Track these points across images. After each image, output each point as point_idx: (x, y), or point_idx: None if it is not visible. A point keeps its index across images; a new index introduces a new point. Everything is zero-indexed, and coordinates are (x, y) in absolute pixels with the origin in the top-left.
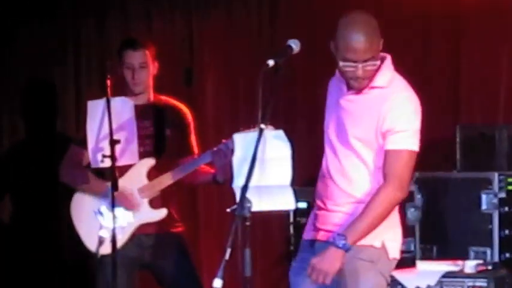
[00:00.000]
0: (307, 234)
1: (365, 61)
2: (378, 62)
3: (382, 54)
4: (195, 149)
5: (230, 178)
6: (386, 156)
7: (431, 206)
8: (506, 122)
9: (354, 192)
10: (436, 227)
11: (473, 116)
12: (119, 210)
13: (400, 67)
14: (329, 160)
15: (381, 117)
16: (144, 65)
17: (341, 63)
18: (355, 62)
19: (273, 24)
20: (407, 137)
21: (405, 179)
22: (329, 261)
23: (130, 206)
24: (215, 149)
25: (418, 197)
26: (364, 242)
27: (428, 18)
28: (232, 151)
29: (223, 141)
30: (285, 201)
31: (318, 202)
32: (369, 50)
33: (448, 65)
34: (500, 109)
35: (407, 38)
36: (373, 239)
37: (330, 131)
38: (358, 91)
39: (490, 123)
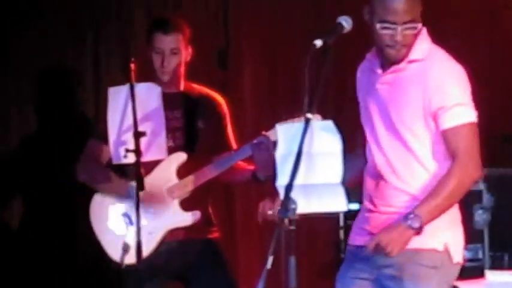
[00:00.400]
0: (355, 240)
1: (405, 23)
2: (419, 26)
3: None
4: (233, 144)
5: (272, 175)
6: (446, 137)
7: (502, 208)
8: None
9: (408, 189)
10: (508, 231)
11: None
12: (146, 213)
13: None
14: (375, 155)
15: (427, 95)
16: (176, 51)
17: (378, 26)
18: (394, 24)
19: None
20: (463, 110)
21: (475, 155)
22: (398, 238)
23: (159, 207)
24: (255, 141)
25: (487, 196)
26: (425, 245)
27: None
28: (274, 144)
29: (264, 133)
30: (336, 202)
31: (367, 203)
32: (409, 12)
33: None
34: None
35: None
36: (435, 241)
37: (371, 122)
38: (396, 70)
39: None
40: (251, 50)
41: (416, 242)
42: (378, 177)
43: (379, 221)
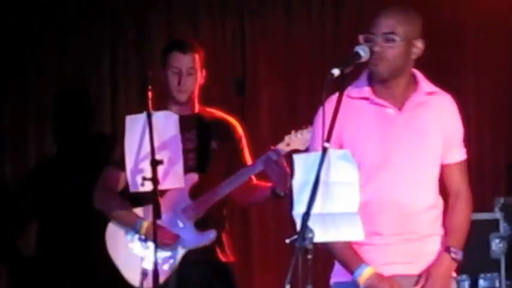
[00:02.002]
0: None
1: (384, 33)
2: (400, 46)
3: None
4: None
5: (290, 189)
6: (453, 170)
7: None
8: None
9: (427, 215)
10: None
11: None
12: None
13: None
14: (392, 188)
15: (448, 128)
16: (192, 71)
17: (360, 38)
18: (373, 34)
19: (337, 27)
20: (463, 145)
21: (469, 185)
22: (448, 272)
23: (175, 229)
24: (263, 157)
25: (504, 225)
26: None
27: None
28: (288, 155)
29: (272, 147)
30: (353, 231)
31: (376, 235)
32: (390, 25)
33: None
34: None
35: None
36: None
37: (387, 159)
38: (416, 104)
39: None
40: (268, 76)
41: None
42: (392, 209)
43: (398, 250)
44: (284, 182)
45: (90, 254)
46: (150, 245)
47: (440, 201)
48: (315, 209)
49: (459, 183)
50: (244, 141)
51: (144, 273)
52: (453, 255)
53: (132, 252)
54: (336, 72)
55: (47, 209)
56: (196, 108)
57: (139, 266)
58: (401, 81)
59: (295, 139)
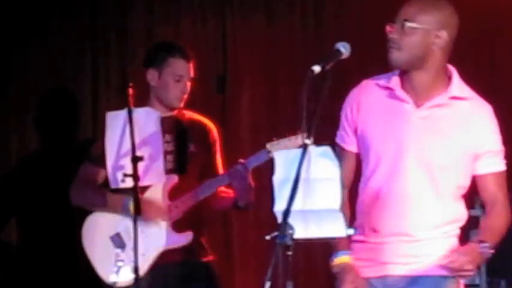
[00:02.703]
0: (367, 272)
1: (405, 20)
2: (417, 34)
3: (449, 66)
4: (219, 170)
5: (251, 203)
6: (488, 180)
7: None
8: None
9: (421, 218)
10: (506, 257)
11: None
12: (138, 235)
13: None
14: (393, 185)
15: (476, 136)
16: (191, 80)
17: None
18: (393, 22)
19: (319, 26)
20: (502, 156)
21: (508, 197)
22: (474, 260)
23: (151, 229)
24: (231, 169)
25: None
26: (444, 271)
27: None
28: (272, 165)
29: (241, 160)
30: (335, 227)
31: (371, 233)
32: (411, 12)
33: None
34: None
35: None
36: None
37: (395, 152)
38: (435, 105)
39: None
40: (249, 74)
41: (432, 269)
42: (391, 206)
43: (393, 250)
44: (246, 196)
45: (71, 251)
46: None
47: (459, 215)
48: (296, 206)
49: (495, 194)
50: (218, 146)
51: (119, 270)
52: (483, 248)
53: (106, 249)
54: (316, 69)
55: (28, 207)
56: (174, 111)
57: (113, 263)
58: (423, 75)
59: (277, 147)
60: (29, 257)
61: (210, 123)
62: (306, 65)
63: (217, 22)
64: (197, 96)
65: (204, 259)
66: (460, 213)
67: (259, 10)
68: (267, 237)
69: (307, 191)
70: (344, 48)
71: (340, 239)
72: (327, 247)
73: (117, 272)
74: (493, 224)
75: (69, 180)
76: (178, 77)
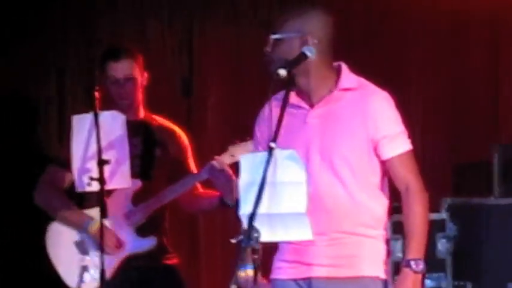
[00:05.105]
0: (286, 273)
1: (272, 34)
2: (285, 42)
3: (338, 63)
4: None
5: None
6: (394, 165)
7: (465, 237)
8: None
9: (332, 217)
10: (471, 260)
11: None
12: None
13: (433, 84)
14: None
15: (370, 124)
16: (130, 77)
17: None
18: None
19: None
20: (405, 137)
21: (420, 177)
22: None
23: (110, 248)
24: (206, 166)
25: (450, 225)
26: (370, 272)
27: (465, 33)
28: (235, 166)
29: (216, 157)
30: (301, 231)
31: None
32: (277, 25)
33: (486, 81)
34: None
35: (443, 50)
36: (377, 269)
37: (303, 158)
38: (329, 100)
39: None
40: (215, 76)
41: (358, 270)
42: (310, 208)
43: (315, 252)
44: (230, 191)
45: (35, 252)
46: (92, 248)
47: (379, 201)
48: (262, 209)
49: (404, 176)
50: (189, 151)
51: (82, 275)
52: (414, 267)
53: (71, 255)
54: (282, 72)
55: None
56: (142, 114)
57: (77, 269)
58: (305, 79)
59: (239, 150)
60: None
61: (179, 129)
62: (267, 68)
63: (183, 24)
64: (163, 98)
65: (169, 263)
66: (376, 211)
67: (225, 12)
68: (233, 241)
69: (273, 194)
70: (309, 52)
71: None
72: None
73: (81, 277)
74: (415, 226)
75: (32, 180)
76: (112, 78)
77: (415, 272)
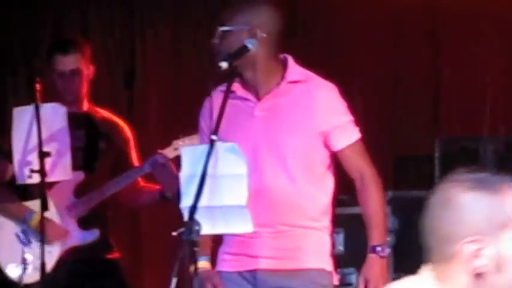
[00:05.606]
0: (235, 266)
1: (220, 25)
2: (232, 34)
3: (283, 55)
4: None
5: (179, 192)
6: (345, 154)
7: (406, 230)
8: (490, 134)
9: (278, 208)
10: (412, 254)
11: (454, 128)
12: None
13: (374, 75)
14: (252, 181)
15: (319, 115)
16: (77, 71)
17: None
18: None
19: None
20: (354, 126)
21: (372, 164)
22: (382, 272)
23: (53, 237)
24: (150, 160)
25: (391, 219)
26: (315, 264)
27: (407, 24)
28: (176, 161)
29: (159, 151)
30: (241, 223)
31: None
32: (225, 17)
33: (427, 73)
34: (485, 120)
35: (383, 45)
36: (322, 262)
37: (248, 151)
38: (276, 93)
39: (473, 136)
40: (157, 69)
41: (304, 262)
42: (257, 201)
43: (261, 244)
44: (172, 185)
45: None
46: (34, 239)
47: (325, 192)
48: (203, 202)
49: (358, 165)
50: (132, 144)
51: (24, 266)
52: (381, 253)
53: (12, 246)
54: (224, 65)
55: None
56: (85, 107)
57: (19, 260)
58: (251, 73)
59: (182, 144)
60: None
61: (122, 122)
62: (213, 60)
63: (124, 17)
64: (105, 91)
65: (110, 256)
66: (322, 203)
67: (166, 4)
68: (174, 234)
69: (214, 187)
70: (251, 44)
71: (203, 244)
72: None
73: (23, 268)
74: (374, 214)
75: None
76: (58, 71)
77: (382, 257)
